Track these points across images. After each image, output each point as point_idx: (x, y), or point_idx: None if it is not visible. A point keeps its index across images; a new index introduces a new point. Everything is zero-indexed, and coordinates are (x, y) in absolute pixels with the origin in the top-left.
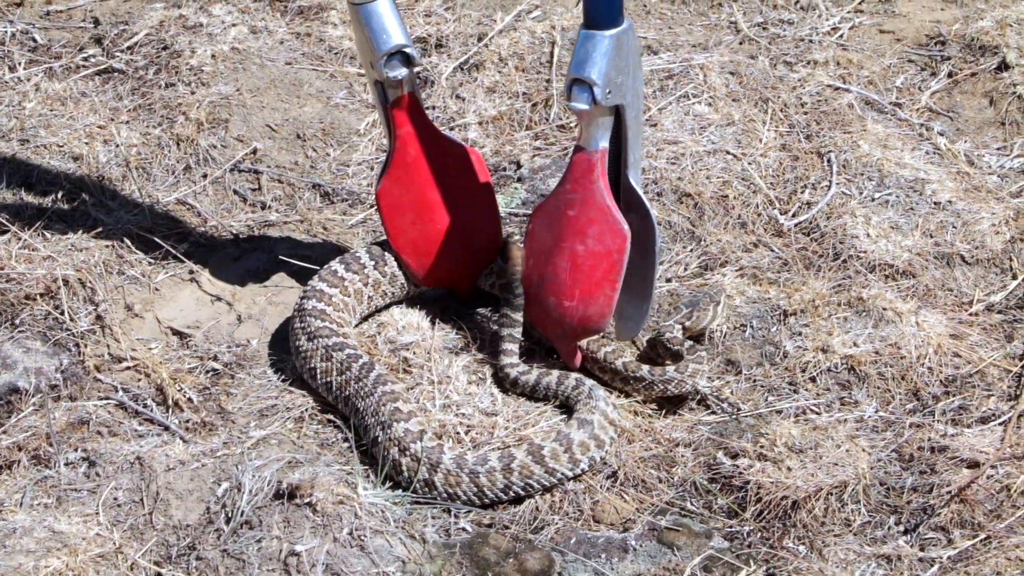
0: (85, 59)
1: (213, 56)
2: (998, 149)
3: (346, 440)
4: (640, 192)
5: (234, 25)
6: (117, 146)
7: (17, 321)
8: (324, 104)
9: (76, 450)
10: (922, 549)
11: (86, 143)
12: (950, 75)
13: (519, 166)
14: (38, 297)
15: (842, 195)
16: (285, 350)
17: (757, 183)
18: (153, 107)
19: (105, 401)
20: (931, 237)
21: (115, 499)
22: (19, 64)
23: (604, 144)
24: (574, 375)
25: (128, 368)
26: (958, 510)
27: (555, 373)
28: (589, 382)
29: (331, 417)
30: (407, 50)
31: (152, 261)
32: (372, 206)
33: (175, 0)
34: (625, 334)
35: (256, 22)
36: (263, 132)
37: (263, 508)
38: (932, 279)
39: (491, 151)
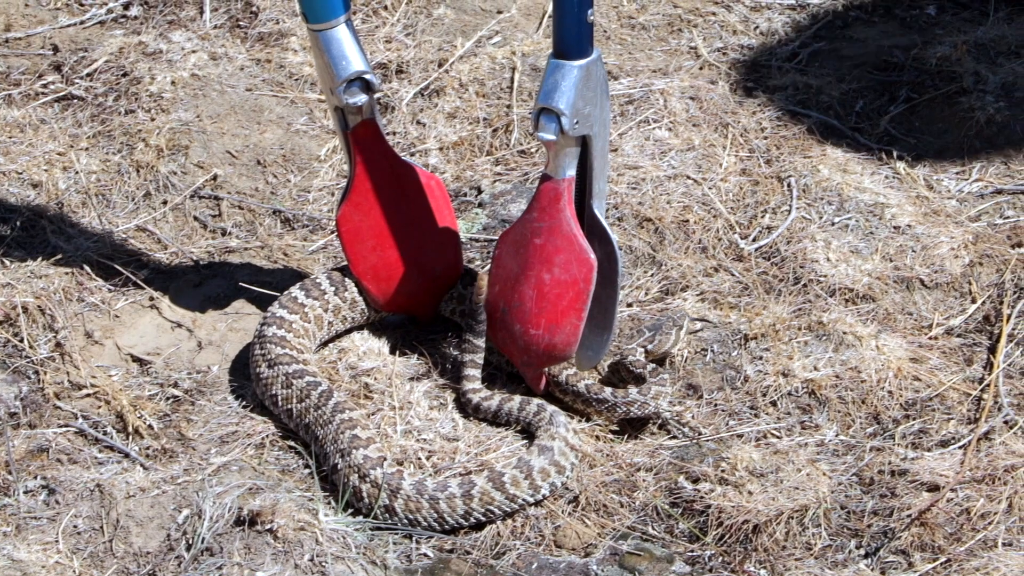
0: (44, 86)
1: (173, 83)
2: (957, 173)
3: (307, 466)
4: (604, 222)
5: (194, 52)
6: (76, 173)
7: None
8: (284, 130)
9: (35, 478)
10: (883, 573)
11: (45, 170)
12: (908, 100)
13: (480, 191)
14: None
15: (802, 219)
16: (246, 376)
17: (718, 208)
18: (113, 134)
19: (65, 428)
20: (891, 261)
21: (75, 527)
22: None
23: (571, 173)
24: (536, 401)
25: (88, 395)
26: (919, 533)
27: (517, 399)
28: (550, 408)
29: (292, 443)
30: (367, 76)
31: (112, 288)
32: (333, 232)
33: (134, 27)
34: (585, 364)
35: (216, 48)
36: (223, 158)
37: (224, 535)
38: (892, 303)
39: (452, 176)
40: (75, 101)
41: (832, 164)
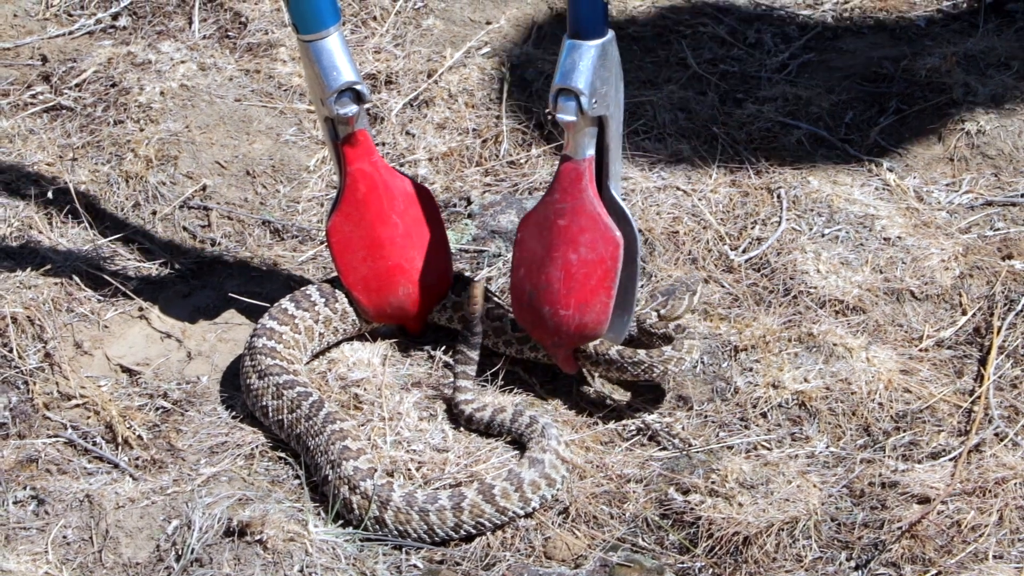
0: (33, 96)
1: (162, 93)
2: (947, 185)
3: (297, 477)
4: (621, 203)
5: (183, 62)
6: (66, 183)
7: None
8: (274, 141)
9: (25, 488)
10: None
11: (34, 180)
12: (898, 111)
13: (469, 202)
14: None
15: (792, 231)
16: (235, 387)
17: (707, 219)
18: (102, 144)
19: (54, 439)
20: (881, 273)
21: (64, 537)
22: None
23: (591, 152)
24: (528, 413)
25: (77, 406)
26: (909, 546)
27: (509, 410)
28: (543, 420)
29: (282, 454)
30: (357, 87)
31: (101, 298)
32: (322, 242)
33: (123, 37)
34: (606, 345)
35: (205, 59)
36: (212, 169)
37: (213, 546)
38: (882, 315)
39: (441, 187)
40: (64, 111)
41: (822, 175)
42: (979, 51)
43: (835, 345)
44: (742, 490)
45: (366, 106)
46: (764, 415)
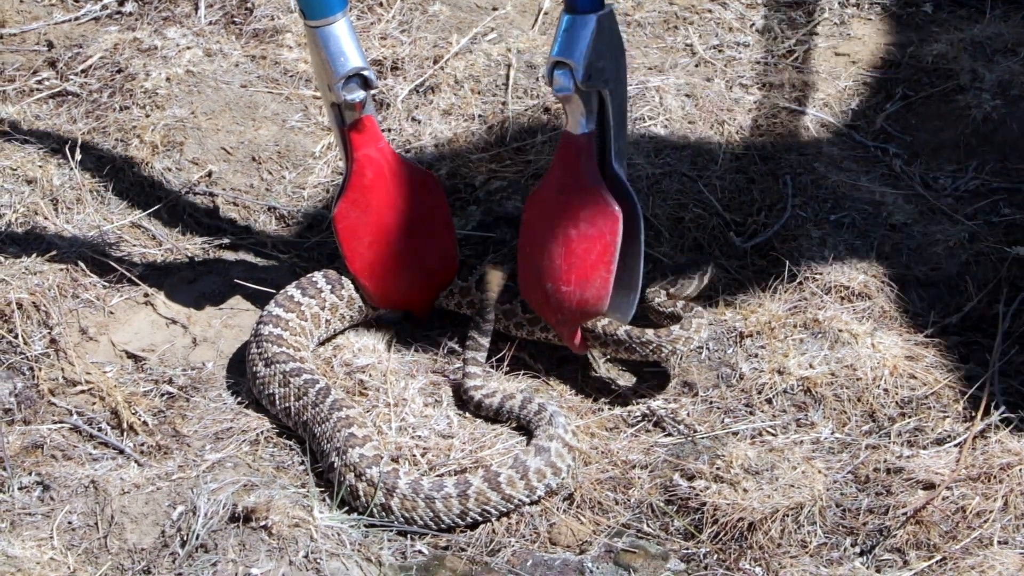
0: (39, 82)
1: (168, 79)
2: (953, 171)
3: (302, 463)
4: (625, 180)
5: (189, 48)
6: (71, 169)
7: None
8: (280, 127)
9: (30, 474)
10: (878, 571)
11: (40, 166)
12: (905, 97)
13: (475, 188)
14: None
15: (798, 217)
16: (240, 373)
17: (713, 205)
18: (108, 130)
19: (59, 425)
20: (887, 259)
21: (69, 523)
22: None
23: (591, 127)
24: (537, 400)
25: (83, 392)
26: (914, 531)
27: (518, 397)
28: (551, 408)
29: (287, 440)
30: (365, 73)
31: (107, 284)
32: (328, 229)
33: (129, 23)
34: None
35: (211, 45)
36: (218, 155)
37: (218, 531)
38: (888, 301)
39: (447, 173)
40: (70, 97)
41: (828, 161)
42: (986, 37)
43: (840, 331)
44: (747, 476)
45: (373, 92)
46: (769, 401)
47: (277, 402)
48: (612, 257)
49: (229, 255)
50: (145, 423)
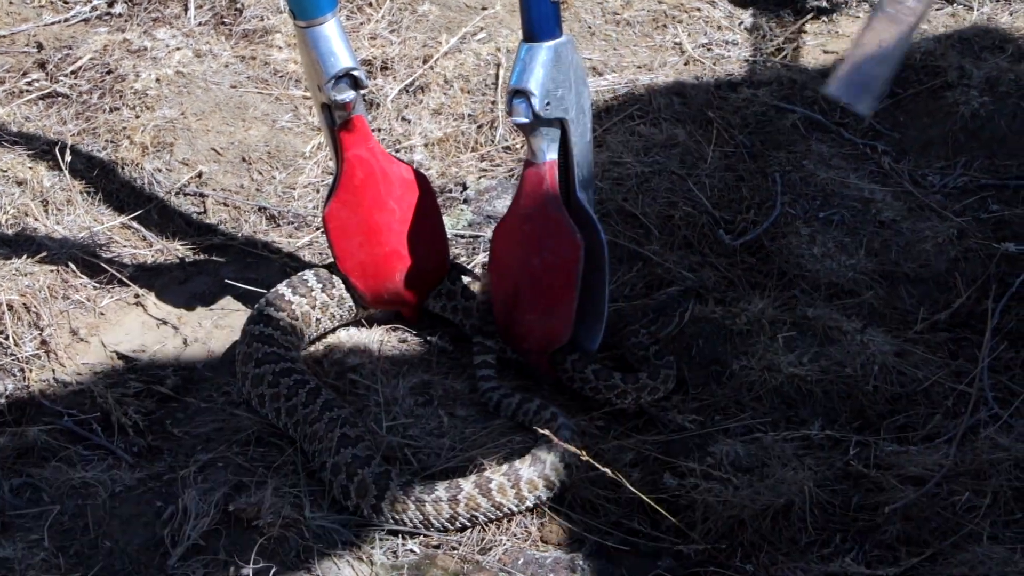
0: (28, 84)
1: (158, 80)
2: (942, 168)
3: (293, 463)
4: (590, 210)
5: (178, 49)
6: (61, 170)
7: None
8: (269, 127)
9: (21, 475)
10: (869, 567)
11: (30, 168)
12: (893, 95)
13: (465, 188)
14: None
15: (787, 214)
16: (232, 373)
17: (702, 203)
18: (97, 131)
19: (50, 426)
20: (876, 256)
21: (60, 524)
22: None
23: (552, 156)
24: (551, 408)
25: (73, 393)
26: (904, 528)
27: (536, 401)
28: (561, 419)
29: (278, 440)
30: (355, 73)
31: (97, 285)
32: (319, 229)
33: (119, 24)
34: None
35: (201, 45)
36: (208, 155)
37: (210, 532)
38: (877, 298)
39: (437, 173)
40: (59, 99)
41: (817, 159)
42: (974, 34)
43: (830, 328)
44: (737, 473)
45: (363, 92)
46: (759, 398)
47: (267, 402)
48: (574, 285)
49: (220, 255)
50: (136, 424)
